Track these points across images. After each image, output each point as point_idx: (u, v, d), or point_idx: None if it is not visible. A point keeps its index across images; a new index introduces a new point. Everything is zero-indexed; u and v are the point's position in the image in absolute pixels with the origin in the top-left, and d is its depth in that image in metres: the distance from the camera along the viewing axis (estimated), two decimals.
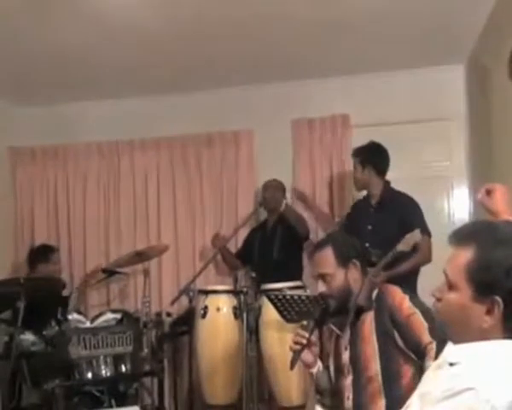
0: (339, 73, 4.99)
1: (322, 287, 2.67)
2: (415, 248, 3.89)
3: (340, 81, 5.05)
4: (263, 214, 5.11)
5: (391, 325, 2.51)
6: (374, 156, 4.38)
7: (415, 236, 3.53)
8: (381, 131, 4.90)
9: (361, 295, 2.60)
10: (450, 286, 1.53)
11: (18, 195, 5.70)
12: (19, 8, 3.71)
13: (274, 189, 4.89)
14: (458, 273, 1.51)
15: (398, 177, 4.99)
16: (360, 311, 2.60)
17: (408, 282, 3.89)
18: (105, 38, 4.19)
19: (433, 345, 2.37)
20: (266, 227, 4.97)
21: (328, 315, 2.65)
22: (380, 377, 2.51)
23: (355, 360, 2.58)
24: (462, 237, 1.55)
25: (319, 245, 2.72)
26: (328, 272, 2.62)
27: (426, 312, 2.45)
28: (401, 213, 4.09)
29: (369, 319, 2.58)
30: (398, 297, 2.56)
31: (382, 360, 2.51)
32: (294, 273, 4.60)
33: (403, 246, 3.68)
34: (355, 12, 3.91)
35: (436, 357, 1.79)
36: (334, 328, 2.72)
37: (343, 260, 2.63)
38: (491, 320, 1.47)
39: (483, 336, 1.48)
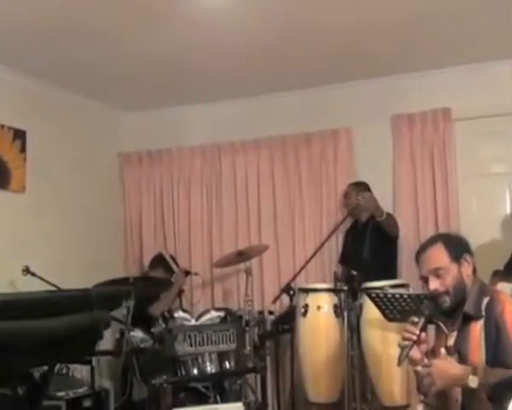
0: (438, 66, 4.86)
1: (434, 284, 2.54)
2: None
3: (440, 74, 4.92)
4: None
5: (496, 335, 2.41)
6: None
7: None
8: (485, 123, 4.75)
9: (469, 302, 2.52)
10: None
11: (126, 198, 5.95)
12: (122, 14, 3.87)
13: (353, 198, 4.82)
14: None
15: (505, 171, 4.84)
16: (468, 318, 2.51)
17: None
18: (208, 41, 4.29)
19: None
20: (357, 226, 4.97)
21: (441, 313, 2.59)
22: None
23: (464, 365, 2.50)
24: None
25: (428, 243, 2.65)
26: (441, 266, 2.54)
27: None
28: None
29: (478, 328, 2.48)
30: (508, 308, 2.43)
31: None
32: (387, 272, 4.55)
33: None
34: (454, 2, 3.82)
35: None
36: (442, 326, 2.63)
37: (456, 255, 2.55)
38: None
39: None
